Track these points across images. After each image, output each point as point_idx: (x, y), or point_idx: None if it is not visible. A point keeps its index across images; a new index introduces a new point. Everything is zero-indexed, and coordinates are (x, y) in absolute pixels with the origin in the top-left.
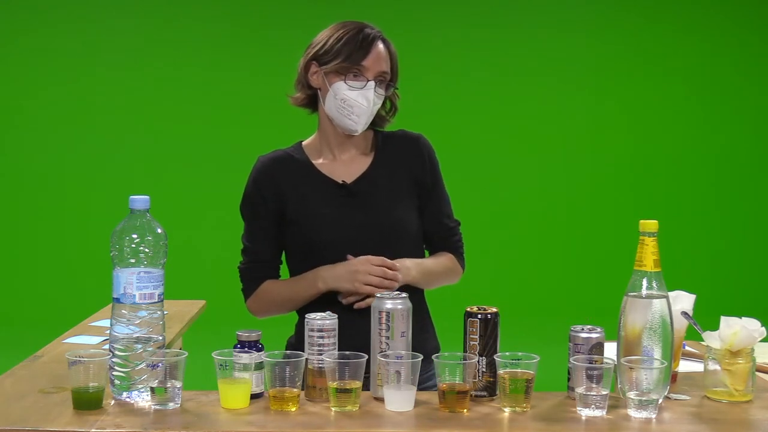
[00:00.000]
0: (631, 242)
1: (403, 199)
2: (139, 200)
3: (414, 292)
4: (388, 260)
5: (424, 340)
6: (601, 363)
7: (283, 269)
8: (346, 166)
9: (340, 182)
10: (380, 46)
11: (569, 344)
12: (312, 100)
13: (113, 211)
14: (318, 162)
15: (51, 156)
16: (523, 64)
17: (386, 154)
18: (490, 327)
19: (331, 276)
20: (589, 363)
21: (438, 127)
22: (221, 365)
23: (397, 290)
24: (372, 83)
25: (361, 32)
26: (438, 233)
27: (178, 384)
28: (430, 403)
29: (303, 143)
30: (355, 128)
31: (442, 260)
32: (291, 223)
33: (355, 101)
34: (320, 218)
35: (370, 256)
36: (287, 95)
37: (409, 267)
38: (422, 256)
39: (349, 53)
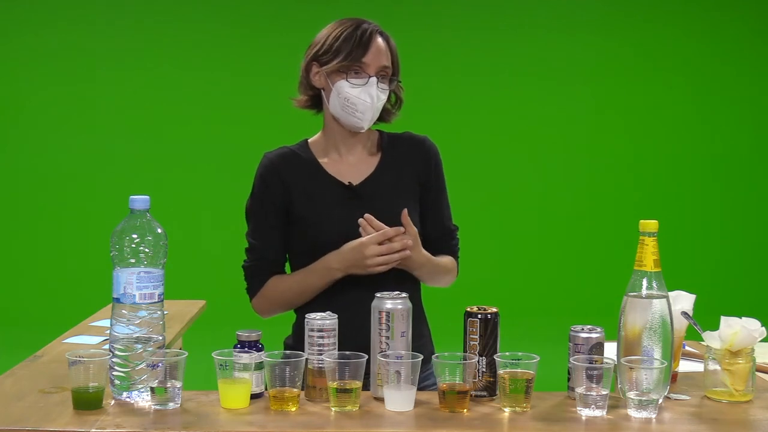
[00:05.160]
0: (631, 242)
1: (408, 201)
2: (139, 200)
3: (411, 295)
4: (390, 229)
5: (421, 345)
6: (601, 363)
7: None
8: (353, 167)
9: (347, 183)
10: (379, 40)
11: (569, 344)
12: (316, 101)
13: (113, 211)
14: (324, 161)
15: (51, 156)
16: (522, 65)
17: (392, 156)
18: (490, 327)
19: (342, 263)
20: (589, 363)
21: (438, 127)
22: (221, 365)
23: (396, 290)
24: (374, 79)
25: (359, 28)
26: (439, 236)
27: (178, 384)
28: (430, 403)
29: (309, 141)
30: (361, 125)
31: (445, 261)
32: (296, 221)
33: (358, 98)
34: (326, 218)
35: (372, 236)
36: (291, 99)
37: (421, 248)
38: None
39: (349, 51)
